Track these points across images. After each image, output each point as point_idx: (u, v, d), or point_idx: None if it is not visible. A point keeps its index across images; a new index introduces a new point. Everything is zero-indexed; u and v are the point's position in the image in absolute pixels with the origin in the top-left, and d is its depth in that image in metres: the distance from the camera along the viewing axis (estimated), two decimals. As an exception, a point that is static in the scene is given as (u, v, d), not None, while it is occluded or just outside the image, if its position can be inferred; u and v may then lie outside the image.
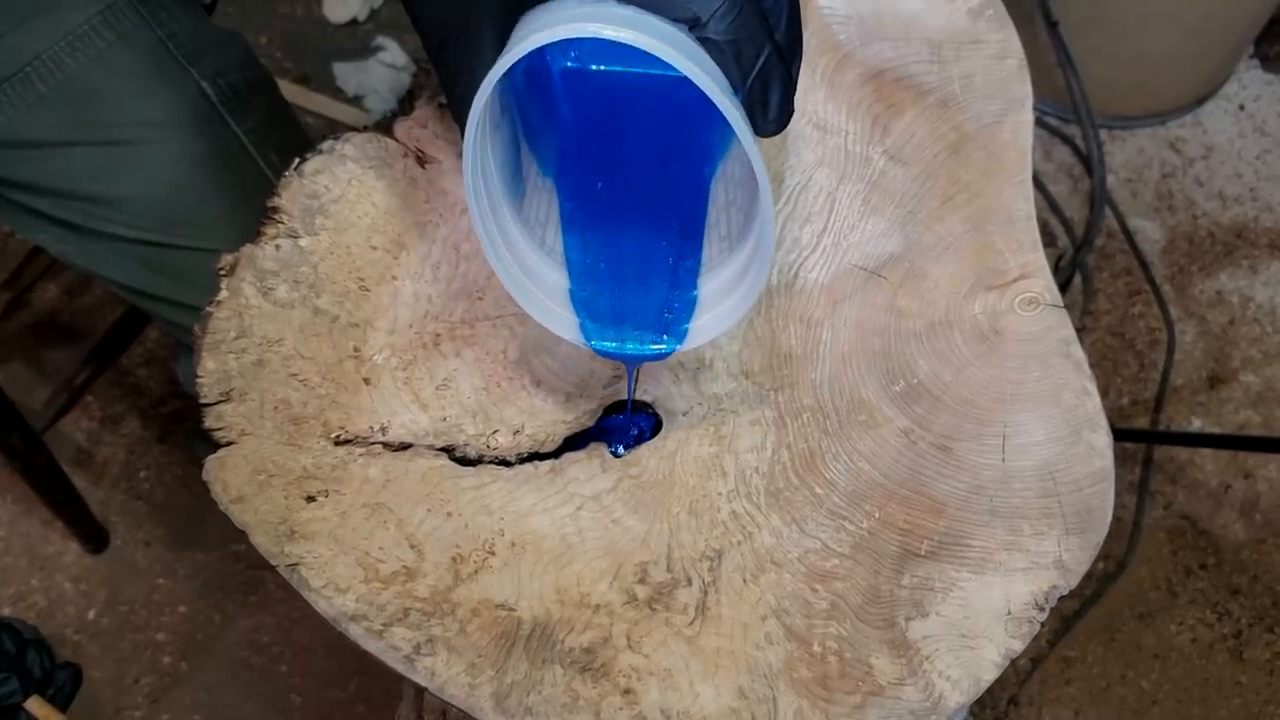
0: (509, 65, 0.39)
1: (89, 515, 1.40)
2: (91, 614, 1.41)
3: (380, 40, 1.76)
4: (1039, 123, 1.77)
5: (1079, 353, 0.54)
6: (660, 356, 0.52)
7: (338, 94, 1.74)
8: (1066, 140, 1.75)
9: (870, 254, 0.58)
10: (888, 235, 0.58)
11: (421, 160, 0.59)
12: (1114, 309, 1.64)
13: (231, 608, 1.41)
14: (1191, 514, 1.50)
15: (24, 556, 1.43)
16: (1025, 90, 0.60)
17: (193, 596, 1.42)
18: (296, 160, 0.58)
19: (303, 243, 0.57)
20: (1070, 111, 1.66)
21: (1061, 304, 0.55)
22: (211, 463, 0.51)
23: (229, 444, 0.52)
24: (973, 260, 0.57)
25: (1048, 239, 1.68)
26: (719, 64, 0.41)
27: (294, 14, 1.83)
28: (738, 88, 0.42)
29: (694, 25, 0.40)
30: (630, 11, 0.39)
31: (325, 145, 0.59)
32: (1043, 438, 0.53)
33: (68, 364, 1.40)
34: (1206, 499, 1.51)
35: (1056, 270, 1.65)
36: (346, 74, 1.74)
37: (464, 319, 0.57)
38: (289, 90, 1.71)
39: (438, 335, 0.57)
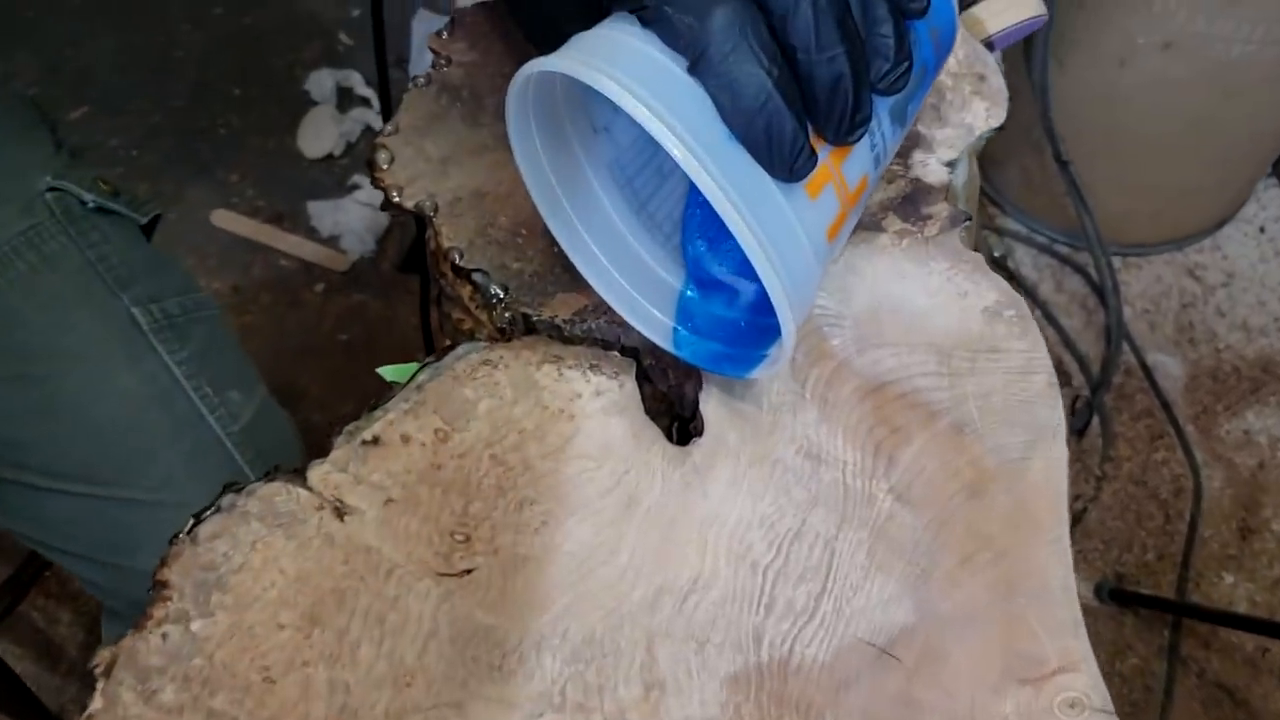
0: (526, 75, 0.40)
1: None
2: None
3: (356, 178, 1.68)
4: (1049, 251, 1.68)
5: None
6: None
7: (312, 234, 1.66)
8: (1079, 269, 1.66)
9: (878, 624, 0.49)
10: (898, 600, 0.49)
11: (340, 512, 0.50)
12: (1135, 454, 1.54)
13: None
14: (1228, 683, 1.39)
15: None
16: (1056, 415, 0.51)
17: None
18: (190, 522, 0.49)
19: (195, 627, 0.47)
20: (1081, 239, 1.58)
21: (1111, 709, 0.45)
22: None
23: None
24: (1000, 641, 0.47)
25: (1062, 378, 1.59)
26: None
27: (266, 147, 1.75)
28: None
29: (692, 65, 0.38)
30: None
31: (225, 501, 0.49)
32: None
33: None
34: (1243, 665, 1.40)
35: (1073, 413, 1.55)
36: (322, 213, 1.66)
37: (388, 711, 0.48)
38: (261, 230, 1.63)
39: (356, 740, 0.47)
